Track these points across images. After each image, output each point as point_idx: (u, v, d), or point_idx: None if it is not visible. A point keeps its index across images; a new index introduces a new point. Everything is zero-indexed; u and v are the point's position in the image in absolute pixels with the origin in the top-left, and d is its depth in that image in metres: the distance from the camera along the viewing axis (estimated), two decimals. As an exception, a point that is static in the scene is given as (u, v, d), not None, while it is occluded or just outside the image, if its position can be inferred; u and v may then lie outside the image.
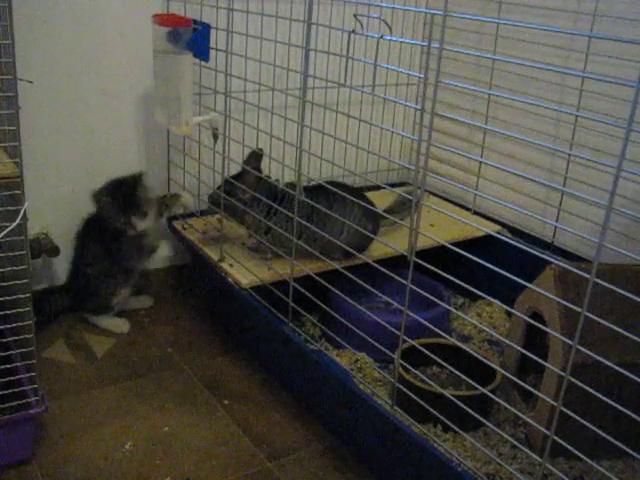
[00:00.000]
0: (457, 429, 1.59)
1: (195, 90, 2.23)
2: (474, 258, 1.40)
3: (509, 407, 1.50)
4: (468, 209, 2.65)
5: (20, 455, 1.68)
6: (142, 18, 2.21)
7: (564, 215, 2.35)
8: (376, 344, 1.73)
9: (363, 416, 1.68)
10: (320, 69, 2.30)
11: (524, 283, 1.36)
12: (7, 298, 1.63)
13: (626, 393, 1.40)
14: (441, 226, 2.39)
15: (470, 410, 1.48)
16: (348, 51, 1.58)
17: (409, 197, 1.55)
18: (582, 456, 1.25)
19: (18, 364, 1.70)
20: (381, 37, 1.51)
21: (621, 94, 2.06)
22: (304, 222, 2.00)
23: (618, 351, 1.53)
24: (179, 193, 2.41)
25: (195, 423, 1.87)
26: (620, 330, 1.16)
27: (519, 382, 1.47)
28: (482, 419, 1.49)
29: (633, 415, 1.15)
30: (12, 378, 1.67)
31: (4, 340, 1.70)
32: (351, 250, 1.85)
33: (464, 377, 1.56)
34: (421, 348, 1.63)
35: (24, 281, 1.60)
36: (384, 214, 2.15)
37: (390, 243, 1.72)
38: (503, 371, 1.62)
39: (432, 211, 2.07)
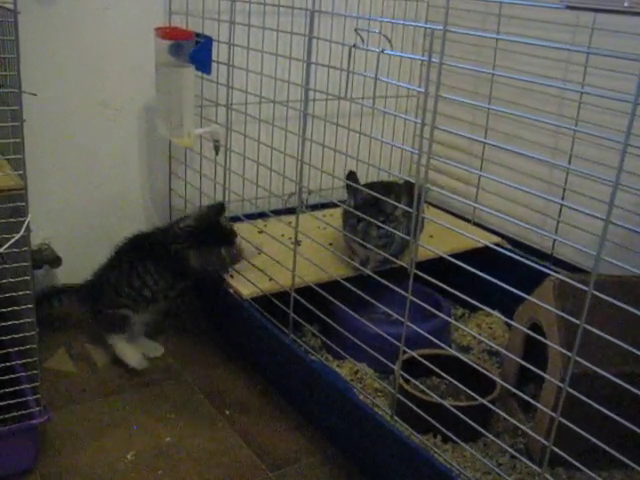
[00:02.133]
0: (457, 439, 1.59)
1: (197, 102, 2.25)
2: (473, 270, 1.41)
3: (508, 418, 1.51)
4: (468, 220, 2.67)
5: (23, 465, 1.69)
6: (144, 31, 2.22)
7: (563, 226, 2.37)
8: (376, 355, 1.74)
9: (363, 426, 1.69)
10: (321, 82, 2.32)
11: (523, 295, 1.37)
12: (10, 309, 1.64)
13: (626, 403, 1.40)
14: (441, 237, 2.40)
15: (470, 420, 1.49)
16: (349, 65, 1.60)
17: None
18: (581, 467, 1.26)
19: (21, 374, 1.71)
20: (382, 51, 1.53)
21: (620, 106, 2.07)
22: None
23: (617, 361, 1.54)
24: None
25: (196, 433, 1.88)
26: (618, 342, 1.17)
27: (518, 393, 1.47)
28: (482, 429, 1.50)
29: (631, 426, 1.16)
30: (15, 388, 1.68)
31: (7, 351, 1.71)
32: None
33: (464, 388, 1.57)
34: (421, 359, 1.64)
35: (27, 292, 1.61)
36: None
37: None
38: (502, 382, 1.63)
39: (432, 222, 2.09)
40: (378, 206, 2.06)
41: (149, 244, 2.12)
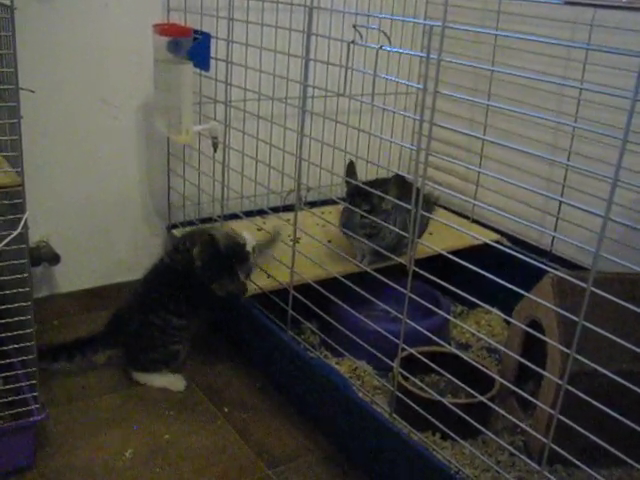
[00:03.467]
0: (456, 437, 1.59)
1: (195, 99, 2.24)
2: (472, 267, 1.41)
3: (507, 415, 1.50)
4: (467, 217, 2.66)
5: (21, 462, 1.68)
6: (143, 28, 2.22)
7: (563, 223, 2.36)
8: (375, 352, 1.73)
9: (362, 424, 1.69)
10: (319, 78, 2.32)
11: (522, 292, 1.37)
12: (8, 306, 1.64)
13: (625, 401, 1.40)
14: (440, 234, 2.40)
15: (469, 418, 1.49)
16: (348, 61, 1.60)
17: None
18: (580, 464, 1.26)
19: (19, 372, 1.71)
20: (380, 48, 1.52)
21: (619, 103, 2.07)
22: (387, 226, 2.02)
23: (616, 359, 1.54)
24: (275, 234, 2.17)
25: (195, 431, 1.88)
26: (617, 339, 1.17)
27: (517, 390, 1.47)
28: (481, 427, 1.50)
29: (630, 424, 1.16)
30: (13, 386, 1.68)
31: (5, 348, 1.70)
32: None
33: (463, 385, 1.56)
34: (420, 356, 1.64)
35: (25, 289, 1.60)
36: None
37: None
38: (501, 379, 1.63)
39: (431, 219, 2.08)
40: (365, 196, 2.06)
41: (176, 279, 2.03)
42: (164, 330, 2.01)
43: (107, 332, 2.09)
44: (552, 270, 1.45)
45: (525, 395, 1.44)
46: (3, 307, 1.64)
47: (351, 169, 2.16)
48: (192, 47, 2.04)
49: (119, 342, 2.08)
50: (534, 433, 1.50)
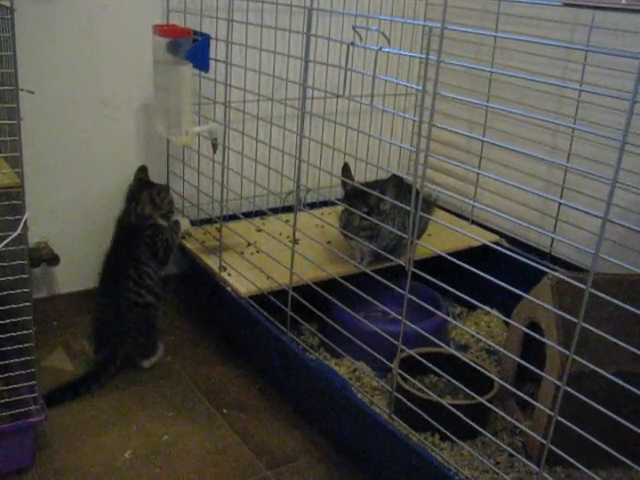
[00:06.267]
0: (455, 438, 1.59)
1: (195, 100, 2.24)
2: (471, 268, 1.41)
3: (506, 416, 1.50)
4: (466, 218, 2.66)
5: (20, 463, 1.68)
6: (142, 29, 2.22)
7: (562, 224, 2.37)
8: (374, 353, 1.73)
9: (361, 425, 1.69)
10: (319, 79, 2.32)
11: (521, 293, 1.37)
12: (8, 307, 1.64)
13: (624, 402, 1.40)
14: (439, 236, 2.40)
15: (468, 419, 1.49)
16: (347, 63, 1.60)
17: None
18: (579, 465, 1.26)
19: (18, 373, 1.71)
20: (380, 49, 1.52)
21: (618, 104, 2.07)
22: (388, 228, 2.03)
23: (615, 360, 1.54)
24: (178, 220, 2.32)
25: (194, 432, 1.88)
26: (616, 340, 1.17)
27: (516, 391, 1.47)
28: (479, 428, 1.50)
29: (629, 425, 1.16)
30: (12, 387, 1.68)
31: (4, 349, 1.70)
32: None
33: (462, 386, 1.56)
34: (419, 357, 1.64)
35: (25, 290, 1.60)
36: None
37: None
38: (500, 380, 1.63)
39: (430, 220, 2.08)
40: (363, 198, 2.07)
41: (127, 252, 2.14)
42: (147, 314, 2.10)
43: (115, 346, 2.09)
44: (551, 271, 1.45)
45: (524, 396, 1.44)
46: (3, 308, 1.64)
47: (346, 171, 2.16)
48: (191, 48, 2.04)
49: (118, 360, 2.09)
50: (533, 434, 1.50)
